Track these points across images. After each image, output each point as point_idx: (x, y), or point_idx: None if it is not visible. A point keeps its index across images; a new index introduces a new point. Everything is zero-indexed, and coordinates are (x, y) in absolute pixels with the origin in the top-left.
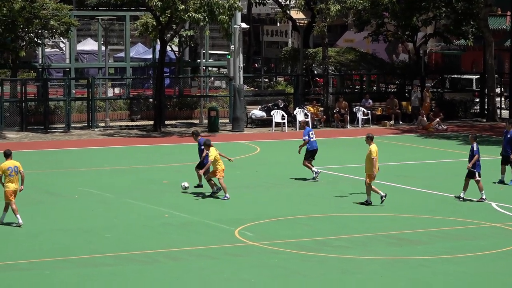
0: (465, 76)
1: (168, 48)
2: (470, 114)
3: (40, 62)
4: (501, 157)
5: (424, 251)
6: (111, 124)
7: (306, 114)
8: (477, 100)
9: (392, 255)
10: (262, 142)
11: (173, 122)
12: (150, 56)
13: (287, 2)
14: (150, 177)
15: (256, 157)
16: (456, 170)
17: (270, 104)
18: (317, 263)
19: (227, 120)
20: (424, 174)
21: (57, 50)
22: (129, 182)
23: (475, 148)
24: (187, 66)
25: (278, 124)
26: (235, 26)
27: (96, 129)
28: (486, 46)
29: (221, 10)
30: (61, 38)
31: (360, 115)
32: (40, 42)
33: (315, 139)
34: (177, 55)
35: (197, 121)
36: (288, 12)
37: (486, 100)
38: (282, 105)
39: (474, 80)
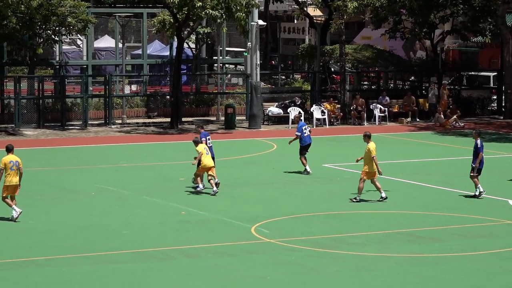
0: (482, 73)
1: (185, 45)
2: (487, 112)
3: (58, 59)
4: None
5: (441, 248)
6: (128, 121)
7: (323, 111)
8: (494, 97)
9: (408, 252)
10: (279, 139)
11: (190, 119)
12: (167, 53)
13: None
14: (167, 174)
15: (273, 154)
16: None
17: (287, 101)
18: (332, 260)
19: (244, 117)
20: (442, 172)
21: (75, 47)
22: (146, 179)
23: (479, 145)
24: (204, 63)
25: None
26: (252, 23)
27: (113, 126)
28: (504, 43)
29: (238, 7)
30: (78, 35)
31: (377, 112)
32: (57, 39)
33: (308, 134)
34: (194, 52)
35: (213, 118)
36: (305, 9)
37: (503, 97)
38: (299, 102)
39: (491, 77)
